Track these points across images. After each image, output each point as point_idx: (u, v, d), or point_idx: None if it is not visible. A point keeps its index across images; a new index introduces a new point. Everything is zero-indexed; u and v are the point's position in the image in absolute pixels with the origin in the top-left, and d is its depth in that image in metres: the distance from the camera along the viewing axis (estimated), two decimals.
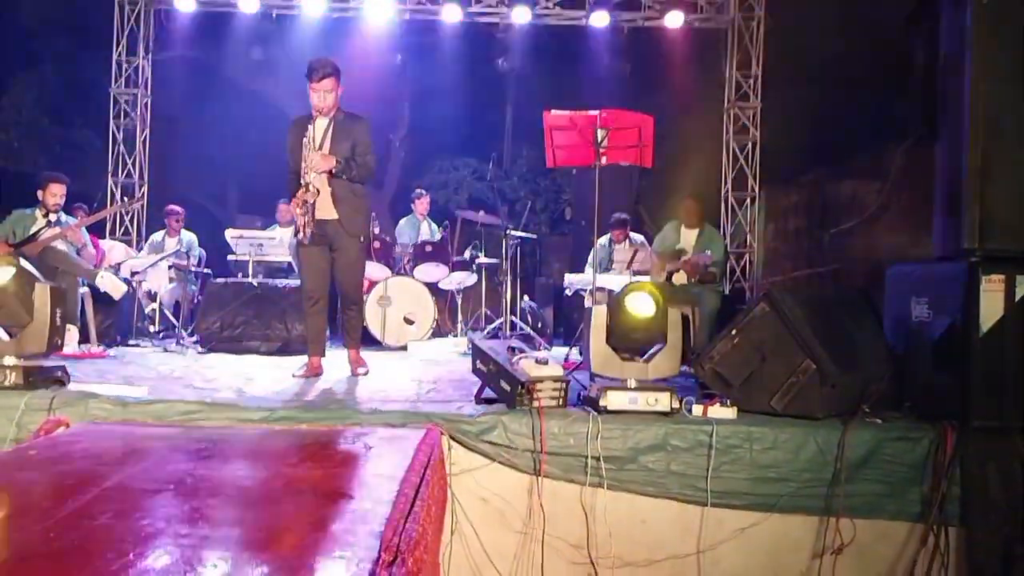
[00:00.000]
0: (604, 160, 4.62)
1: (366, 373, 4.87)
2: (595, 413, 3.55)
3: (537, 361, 3.73)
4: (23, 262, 3.80)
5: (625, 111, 4.65)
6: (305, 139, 4.60)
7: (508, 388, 3.62)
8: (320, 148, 4.60)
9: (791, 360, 3.67)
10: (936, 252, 3.93)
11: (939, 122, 4.03)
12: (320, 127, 4.65)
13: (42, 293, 3.67)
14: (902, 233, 7.83)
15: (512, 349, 3.85)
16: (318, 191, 4.56)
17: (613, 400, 3.57)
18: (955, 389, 3.61)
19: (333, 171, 4.58)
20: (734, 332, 3.83)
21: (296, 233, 4.70)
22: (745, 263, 9.07)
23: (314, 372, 4.74)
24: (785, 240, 10.18)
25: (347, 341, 4.95)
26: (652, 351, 3.72)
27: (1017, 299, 3.57)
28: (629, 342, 3.69)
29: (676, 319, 3.77)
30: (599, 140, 4.49)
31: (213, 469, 2.58)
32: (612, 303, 3.73)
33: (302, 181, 4.59)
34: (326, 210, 4.65)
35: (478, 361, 3.88)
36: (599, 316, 3.71)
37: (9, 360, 3.57)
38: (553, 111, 4.67)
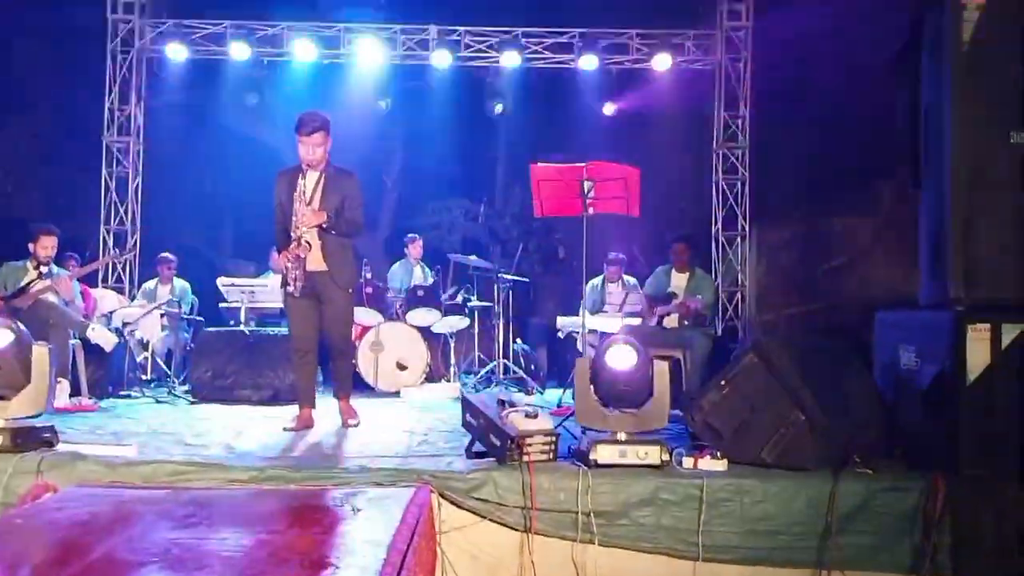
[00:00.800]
0: (591, 210, 4.66)
1: (357, 424, 4.85)
2: (585, 468, 3.54)
3: (527, 415, 3.73)
4: (20, 325, 3.78)
5: (610, 163, 4.71)
6: (296, 192, 4.64)
7: (498, 443, 3.61)
8: (311, 202, 4.64)
9: (780, 411, 3.68)
10: (922, 300, 3.96)
11: (922, 170, 4.08)
12: (311, 181, 4.69)
13: (40, 356, 3.67)
14: (895, 268, 7.86)
15: (502, 402, 3.84)
16: (310, 245, 4.59)
17: (603, 454, 3.57)
18: (945, 438, 3.62)
19: (324, 226, 4.62)
20: (723, 383, 3.84)
21: (284, 285, 4.72)
22: (737, 301, 9.09)
23: (305, 424, 4.72)
24: (777, 277, 10.22)
25: (337, 391, 4.95)
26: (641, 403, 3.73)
27: (1004, 347, 3.59)
28: (615, 394, 3.69)
29: (662, 369, 3.78)
30: (585, 191, 4.54)
31: (199, 537, 2.56)
32: (595, 356, 3.74)
33: (293, 235, 4.62)
34: (316, 263, 4.68)
35: (468, 415, 3.88)
36: (583, 368, 3.72)
37: None
38: (540, 163, 4.73)
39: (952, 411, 3.59)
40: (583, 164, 4.55)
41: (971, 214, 3.64)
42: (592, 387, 3.74)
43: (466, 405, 3.91)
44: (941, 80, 3.81)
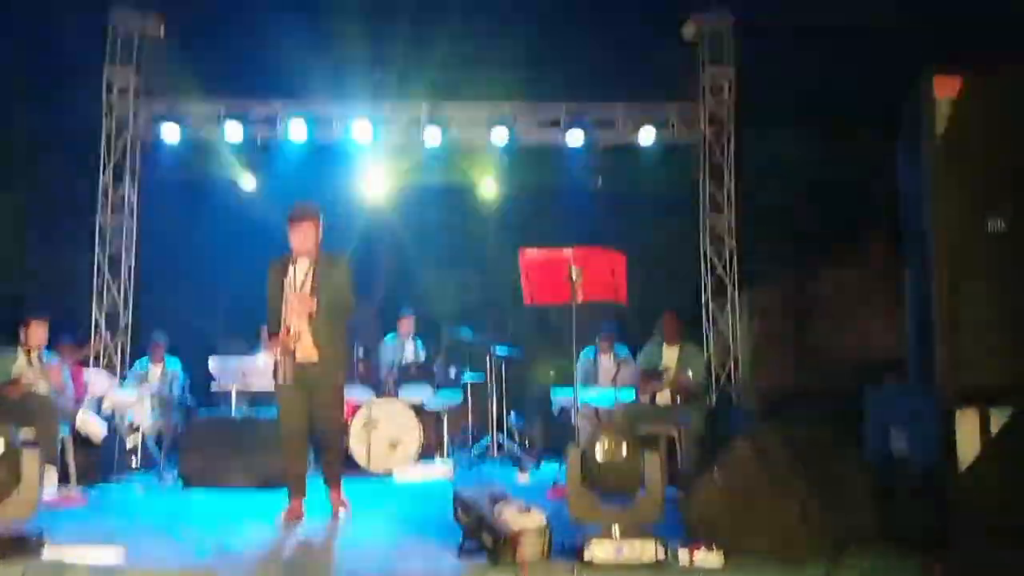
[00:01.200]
0: (580, 297, 4.71)
1: (347, 511, 4.81)
2: (580, 564, 3.49)
3: (519, 509, 3.69)
4: (11, 429, 3.75)
5: (597, 249, 4.78)
6: (286, 280, 4.68)
7: (490, 542, 3.57)
8: (300, 290, 4.67)
9: (774, 501, 3.66)
10: (911, 383, 3.97)
11: (905, 250, 4.15)
12: (301, 268, 4.74)
13: (30, 460, 3.63)
14: (887, 324, 7.91)
15: (494, 496, 3.81)
16: (299, 334, 4.60)
17: (598, 552, 3.52)
18: (939, 524, 3.60)
19: (313, 313, 4.63)
20: (717, 473, 3.82)
21: (275, 374, 4.71)
22: (729, 368, 9.10)
23: (295, 516, 4.67)
24: (770, 339, 10.26)
25: (327, 481, 4.90)
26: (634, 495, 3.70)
27: (993, 434, 3.60)
28: (607, 486, 3.67)
29: (653, 459, 3.76)
30: (573, 278, 4.59)
31: None
32: (584, 446, 3.72)
33: (282, 323, 4.64)
34: (306, 351, 4.68)
35: (459, 509, 3.85)
36: (573, 460, 3.70)
37: None
38: (528, 250, 4.79)
39: (944, 498, 3.58)
40: (570, 250, 4.61)
41: (955, 300, 3.68)
42: (583, 478, 3.72)
43: (457, 500, 3.89)
44: (918, 169, 3.90)
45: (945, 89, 3.84)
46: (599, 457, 3.63)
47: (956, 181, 3.80)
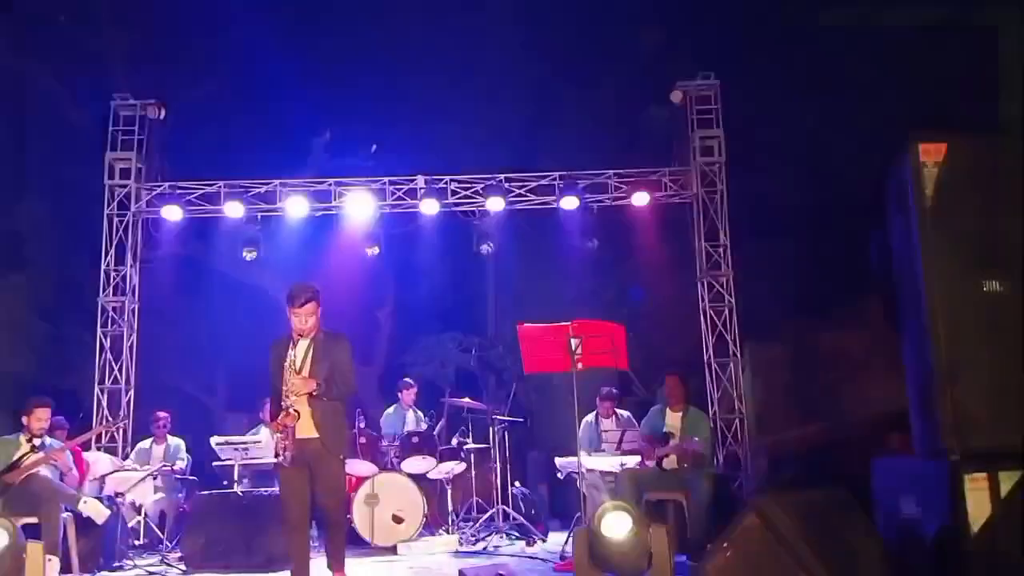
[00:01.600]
0: (580, 366, 4.72)
1: None
2: None
3: None
4: (15, 524, 3.73)
5: (596, 321, 4.82)
6: (286, 362, 4.69)
7: None
8: (300, 370, 4.69)
9: (785, 573, 3.61)
10: (916, 450, 3.95)
11: (900, 314, 4.17)
12: (301, 348, 4.76)
13: (34, 553, 3.61)
14: (891, 380, 7.88)
15: None
16: (299, 414, 4.60)
17: None
18: None
19: (314, 393, 4.64)
20: (725, 545, 3.78)
21: (276, 456, 4.69)
22: (735, 427, 9.04)
23: None
24: (774, 395, 10.21)
25: (331, 564, 4.84)
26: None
27: (1003, 496, 3.57)
28: (614, 564, 3.63)
29: (660, 535, 3.73)
30: (573, 348, 4.61)
31: None
32: (590, 524, 3.69)
33: (283, 404, 4.64)
34: (307, 430, 4.68)
35: None
36: (581, 540, 3.66)
37: None
38: (527, 324, 4.83)
39: (958, 564, 3.54)
40: (569, 323, 4.65)
41: (954, 364, 3.69)
42: (590, 556, 3.69)
43: None
44: (909, 231, 3.94)
45: (931, 154, 3.91)
46: (606, 533, 3.60)
47: (947, 243, 3.84)
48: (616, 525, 3.61)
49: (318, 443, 4.67)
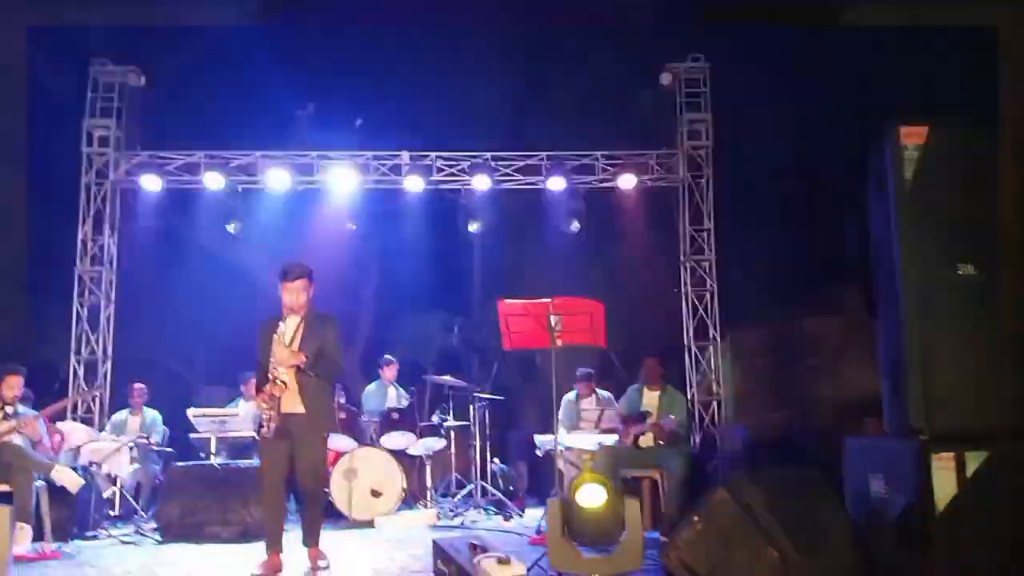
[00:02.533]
0: (559, 343, 4.73)
1: (327, 567, 4.74)
2: None
3: (499, 560, 3.67)
4: None
5: (576, 299, 4.82)
6: (276, 335, 4.69)
7: None
8: (290, 345, 4.69)
9: (754, 549, 3.65)
10: (886, 429, 3.99)
11: (877, 298, 4.19)
12: (291, 324, 4.77)
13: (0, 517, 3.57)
14: (866, 368, 7.96)
15: (474, 547, 3.79)
16: (285, 385, 4.60)
17: None
18: (918, 568, 3.60)
19: (301, 367, 4.64)
20: (696, 519, 3.81)
21: (260, 427, 4.69)
22: (713, 410, 9.10)
23: (273, 570, 4.60)
24: (752, 380, 10.30)
25: (307, 540, 4.83)
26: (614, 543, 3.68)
27: (969, 476, 3.62)
28: (587, 535, 3.66)
29: (634, 507, 3.75)
30: (553, 325, 4.62)
31: None
32: (565, 496, 3.71)
33: (270, 375, 4.63)
34: (292, 404, 4.68)
35: (439, 561, 3.82)
36: (554, 509, 3.68)
37: None
38: (507, 300, 4.83)
39: (923, 541, 3.58)
40: (549, 300, 4.66)
41: (927, 345, 3.72)
42: (564, 527, 3.70)
43: (437, 550, 3.86)
44: (888, 214, 3.96)
45: (912, 137, 3.92)
46: (581, 503, 3.61)
47: (924, 226, 3.87)
48: (591, 496, 3.63)
49: (303, 418, 4.68)
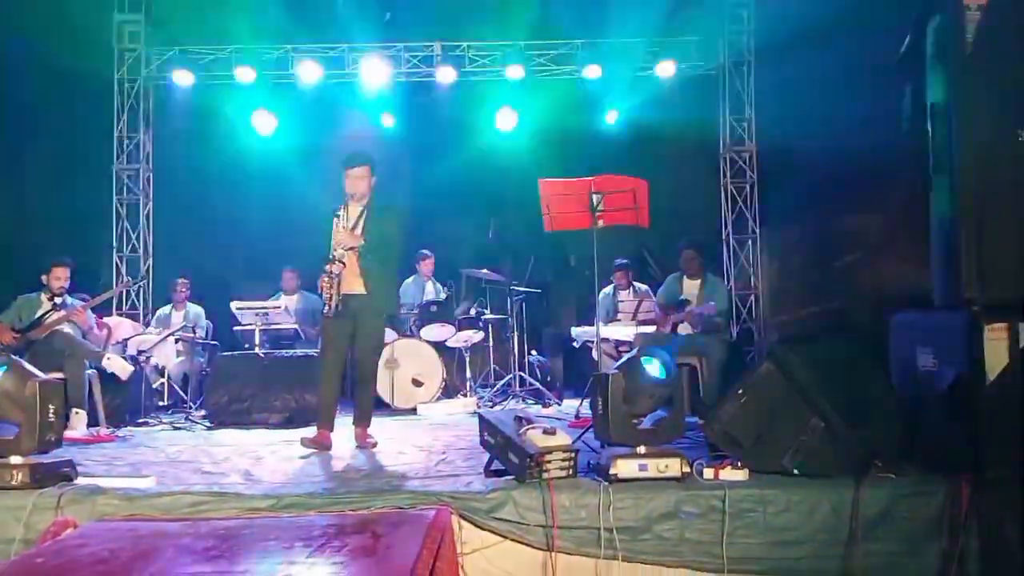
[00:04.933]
0: (601, 223, 4.66)
1: (374, 445, 4.86)
2: (605, 483, 3.51)
3: (545, 431, 3.71)
4: (21, 361, 3.79)
5: (619, 176, 4.72)
6: (336, 220, 4.73)
7: (517, 461, 3.59)
8: (353, 228, 4.77)
9: (800, 419, 3.65)
10: (937, 301, 3.91)
11: (932, 170, 4.05)
12: (354, 211, 4.84)
13: (32, 389, 3.64)
14: (908, 264, 7.81)
15: (519, 419, 3.83)
16: (343, 264, 4.66)
17: (623, 468, 3.54)
18: (967, 440, 3.57)
19: (359, 249, 4.66)
20: (741, 392, 3.81)
21: (324, 307, 4.76)
22: (751, 304, 9.05)
23: (322, 444, 4.73)
24: (790, 277, 10.17)
25: (358, 419, 4.96)
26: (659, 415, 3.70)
27: (1022, 346, 3.55)
28: (642, 407, 3.66)
29: (682, 377, 3.75)
30: (595, 204, 4.54)
31: (221, 571, 2.56)
32: (627, 368, 3.68)
33: (331, 255, 4.69)
34: (353, 285, 4.78)
35: (486, 433, 3.86)
36: (617, 383, 3.65)
37: (15, 459, 3.57)
38: (548, 179, 4.74)
39: (973, 412, 3.55)
40: (591, 178, 4.56)
41: (982, 214, 3.59)
42: (611, 401, 3.71)
43: (483, 423, 3.90)
44: (946, 80, 3.77)
45: None
46: (641, 372, 3.61)
47: (985, 91, 3.68)
48: (655, 369, 3.62)
49: (364, 299, 4.79)
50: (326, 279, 4.68)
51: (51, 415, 3.67)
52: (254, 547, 2.87)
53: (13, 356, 3.97)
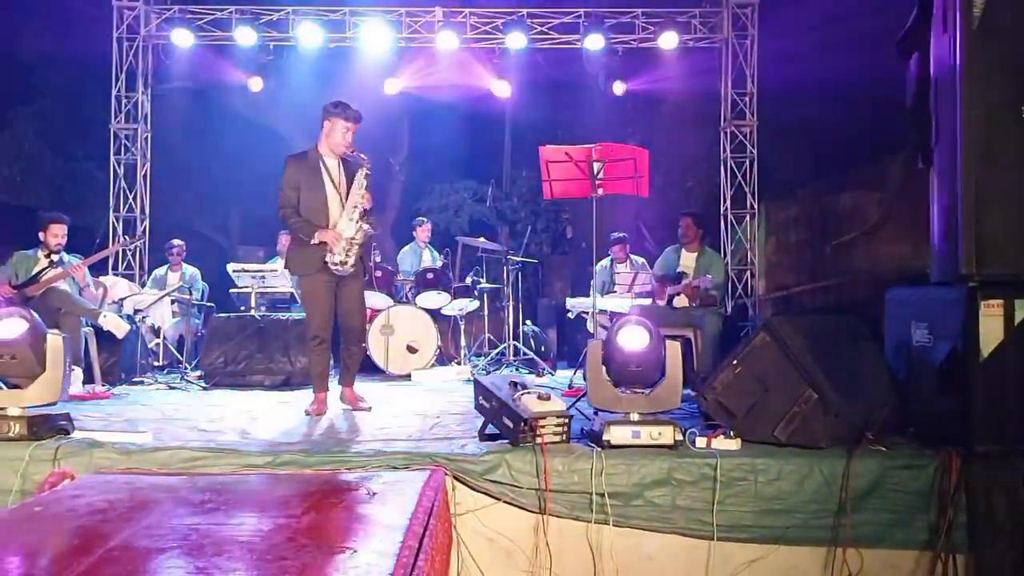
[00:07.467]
0: (601, 191, 4.65)
1: (369, 408, 4.87)
2: (598, 449, 3.55)
3: (539, 396, 3.73)
4: (34, 314, 3.81)
5: (620, 144, 4.70)
6: (324, 177, 4.63)
7: (511, 425, 3.62)
8: (347, 190, 4.68)
9: (793, 390, 3.68)
10: (933, 277, 3.93)
11: (933, 147, 4.04)
12: (332, 166, 4.70)
13: (55, 345, 3.69)
14: (904, 243, 7.84)
15: (514, 384, 3.85)
16: (340, 233, 4.59)
17: (616, 435, 3.57)
18: (958, 415, 3.60)
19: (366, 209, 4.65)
20: (735, 362, 3.83)
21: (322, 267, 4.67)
22: (747, 279, 9.07)
23: (323, 409, 4.74)
24: (787, 253, 10.18)
25: (344, 378, 4.95)
26: (654, 384, 3.72)
27: (1016, 323, 3.57)
28: (627, 376, 3.69)
29: (675, 350, 3.77)
30: (595, 172, 4.52)
31: (217, 523, 2.58)
32: (608, 337, 3.73)
33: (331, 224, 4.61)
34: (345, 254, 4.69)
35: (480, 397, 3.89)
36: (595, 351, 3.72)
37: (13, 411, 3.58)
38: (549, 146, 4.71)
39: (965, 387, 3.57)
40: (592, 145, 4.53)
41: (982, 190, 3.60)
42: (604, 368, 3.74)
43: (478, 387, 3.92)
44: (951, 54, 3.76)
45: None
46: (622, 344, 3.63)
47: (990, 66, 3.66)
48: (634, 338, 3.64)
49: (351, 265, 4.70)
50: (325, 241, 4.56)
51: (68, 368, 3.73)
52: (250, 501, 2.90)
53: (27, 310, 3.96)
